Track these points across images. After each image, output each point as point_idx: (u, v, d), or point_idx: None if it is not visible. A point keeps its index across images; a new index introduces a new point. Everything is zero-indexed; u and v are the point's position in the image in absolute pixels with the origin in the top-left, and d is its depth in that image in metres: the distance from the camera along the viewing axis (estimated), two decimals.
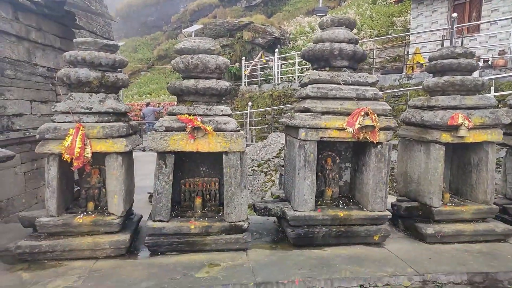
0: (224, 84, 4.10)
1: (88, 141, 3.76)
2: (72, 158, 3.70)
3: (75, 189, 4.53)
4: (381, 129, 4.03)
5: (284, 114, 4.72)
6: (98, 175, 4.39)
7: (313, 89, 4.11)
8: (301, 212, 4.13)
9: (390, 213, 4.22)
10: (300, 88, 4.63)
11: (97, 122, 3.89)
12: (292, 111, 4.89)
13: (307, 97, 4.16)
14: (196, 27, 27.67)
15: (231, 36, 28.91)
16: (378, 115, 4.03)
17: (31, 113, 5.50)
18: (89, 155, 3.76)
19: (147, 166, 13.24)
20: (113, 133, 3.82)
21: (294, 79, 18.81)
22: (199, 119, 3.89)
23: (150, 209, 4.08)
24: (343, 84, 4.14)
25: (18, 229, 4.48)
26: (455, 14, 12.05)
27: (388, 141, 4.09)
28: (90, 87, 3.94)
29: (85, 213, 4.07)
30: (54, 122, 3.86)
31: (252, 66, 24.43)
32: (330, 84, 4.17)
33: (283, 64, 21.25)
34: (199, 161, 4.63)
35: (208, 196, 4.67)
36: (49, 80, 5.86)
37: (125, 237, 3.92)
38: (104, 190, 4.33)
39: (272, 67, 22.19)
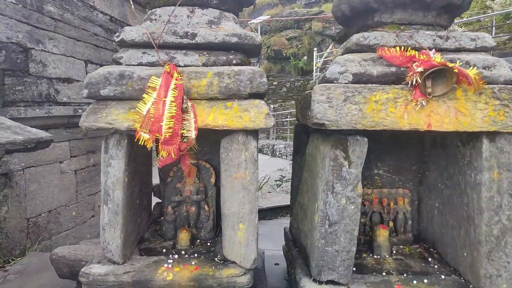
0: None
1: (189, 104, 1.70)
2: (157, 140, 1.66)
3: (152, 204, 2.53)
4: None
5: None
6: (196, 178, 2.34)
7: None
8: None
9: None
10: None
11: (204, 65, 1.82)
12: None
13: None
14: (263, 17, 25.85)
15: (299, 27, 26.75)
16: None
17: None
18: (193, 134, 1.68)
19: None
20: (241, 89, 1.73)
21: None
22: (432, 56, 1.67)
23: None
24: None
25: None
26: None
27: None
28: None
29: (175, 255, 2.03)
30: (119, 64, 1.85)
31: (325, 58, 22.12)
32: None
33: None
34: (372, 155, 2.41)
35: (392, 223, 2.44)
36: (112, 35, 3.97)
37: None
38: (206, 207, 2.28)
39: None
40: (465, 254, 1.91)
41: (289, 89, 18.91)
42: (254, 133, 1.82)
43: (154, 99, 1.67)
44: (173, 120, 1.64)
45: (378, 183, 2.53)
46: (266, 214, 4.65)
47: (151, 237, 2.34)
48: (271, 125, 1.74)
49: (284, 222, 4.34)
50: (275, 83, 25.82)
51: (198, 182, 2.35)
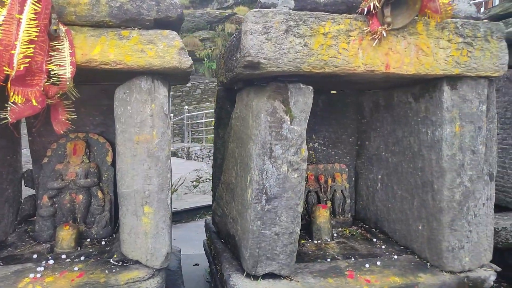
0: None
1: (61, 28, 1.12)
2: (5, 83, 1.05)
3: (22, 197, 1.84)
4: None
5: None
6: (85, 156, 1.72)
7: None
8: None
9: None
10: None
11: None
12: None
13: None
14: None
15: (212, 29, 26.42)
16: None
17: None
18: (69, 72, 1.11)
19: None
20: (143, 12, 1.22)
21: None
22: None
23: None
24: None
25: None
26: None
27: None
28: None
29: (50, 260, 1.40)
30: None
31: None
32: None
33: None
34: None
35: (330, 203, 2.13)
36: None
37: None
38: (100, 194, 1.69)
39: None
40: (420, 227, 1.63)
41: (204, 91, 18.29)
42: (163, 76, 1.30)
43: (4, 17, 1.07)
44: (32, 46, 1.06)
45: (313, 158, 2.20)
46: (182, 216, 4.12)
47: (18, 240, 1.67)
48: (187, 65, 1.25)
49: (203, 224, 3.84)
50: (189, 85, 25.20)
51: (87, 161, 1.74)
